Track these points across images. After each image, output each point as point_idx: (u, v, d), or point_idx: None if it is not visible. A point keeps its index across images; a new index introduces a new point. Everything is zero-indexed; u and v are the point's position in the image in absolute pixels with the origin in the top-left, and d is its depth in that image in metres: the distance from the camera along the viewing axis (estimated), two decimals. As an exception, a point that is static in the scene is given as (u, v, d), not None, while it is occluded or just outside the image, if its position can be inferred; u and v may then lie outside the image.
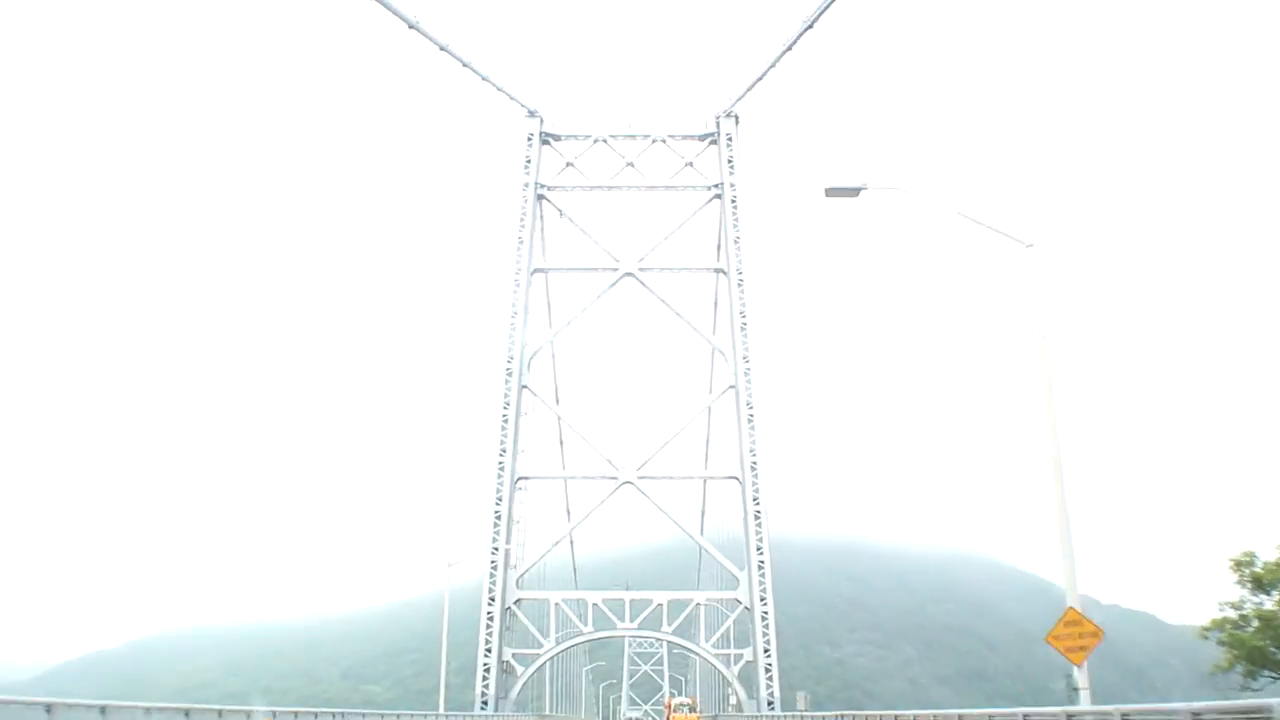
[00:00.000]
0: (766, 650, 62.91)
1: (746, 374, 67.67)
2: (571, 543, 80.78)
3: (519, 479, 68.21)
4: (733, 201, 72.07)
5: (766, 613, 63.50)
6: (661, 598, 67.50)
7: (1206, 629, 30.30)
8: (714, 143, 74.21)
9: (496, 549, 65.26)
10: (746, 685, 65.35)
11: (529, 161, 73.50)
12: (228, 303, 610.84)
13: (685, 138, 74.78)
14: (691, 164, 74.10)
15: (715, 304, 73.61)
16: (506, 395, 68.14)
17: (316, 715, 26.55)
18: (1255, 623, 30.67)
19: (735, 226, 71.57)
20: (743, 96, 73.08)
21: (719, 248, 72.90)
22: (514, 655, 65.76)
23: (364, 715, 32.02)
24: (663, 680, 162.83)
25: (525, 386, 69.45)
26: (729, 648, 67.20)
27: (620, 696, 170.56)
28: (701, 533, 75.32)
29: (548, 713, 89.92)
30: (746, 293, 69.83)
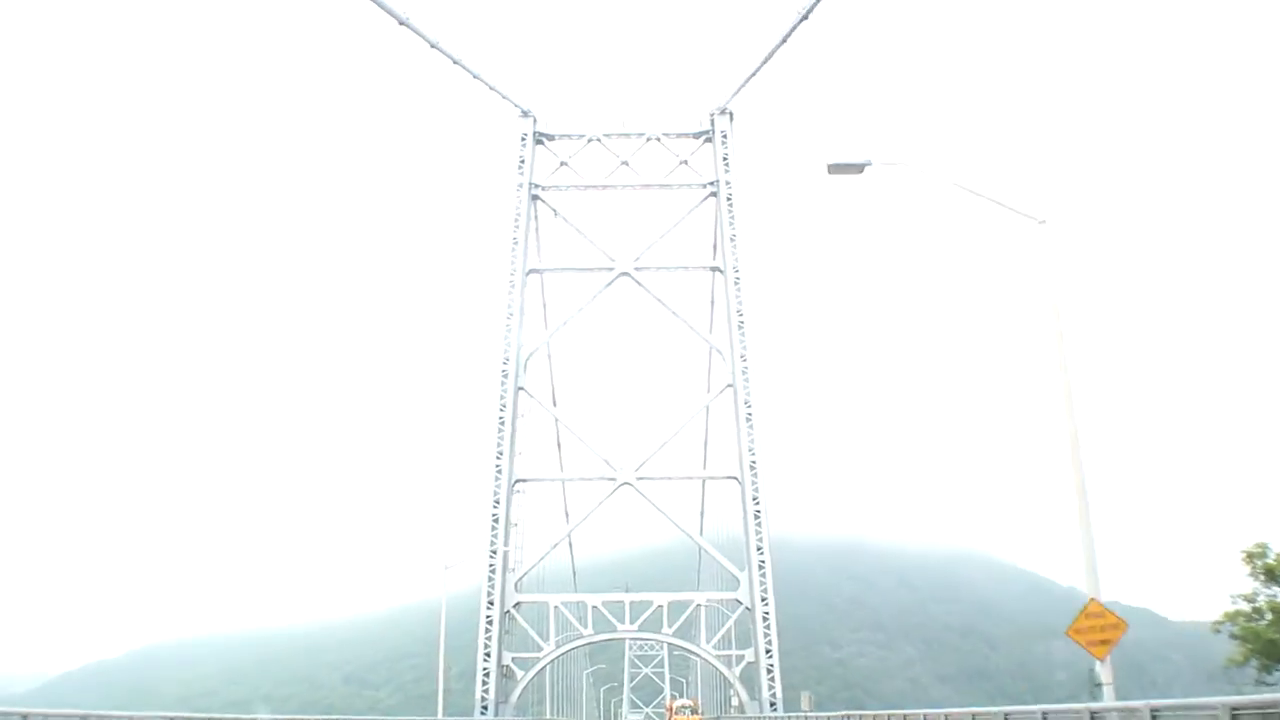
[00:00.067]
0: (768, 651, 62.40)
1: (744, 373, 67.16)
2: (570, 545, 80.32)
3: (516, 482, 67.70)
4: (728, 199, 71.55)
5: (768, 613, 62.98)
6: (662, 599, 66.99)
7: (1219, 622, 29.65)
8: (709, 140, 73.74)
9: (495, 552, 64.73)
10: (748, 686, 64.85)
11: (523, 161, 73.00)
12: (222, 309, 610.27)
13: (680, 135, 74.29)
14: (686, 162, 73.63)
15: (712, 303, 73.14)
16: (503, 397, 67.64)
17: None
18: (1269, 615, 30.07)
19: (731, 224, 71.08)
20: (737, 92, 72.70)
21: (715, 246, 72.42)
22: (514, 659, 65.23)
23: (357, 722, 31.50)
24: (664, 682, 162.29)
25: (521, 388, 68.95)
26: (730, 649, 66.70)
27: (621, 700, 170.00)
28: (701, 533, 74.81)
29: (548, 717, 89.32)
30: (744, 291, 69.36)
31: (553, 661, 70.41)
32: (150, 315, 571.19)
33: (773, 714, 57.61)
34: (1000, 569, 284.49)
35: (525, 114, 73.72)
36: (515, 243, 71.01)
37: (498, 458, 66.28)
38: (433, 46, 64.60)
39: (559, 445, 75.28)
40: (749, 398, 66.63)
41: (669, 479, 70.77)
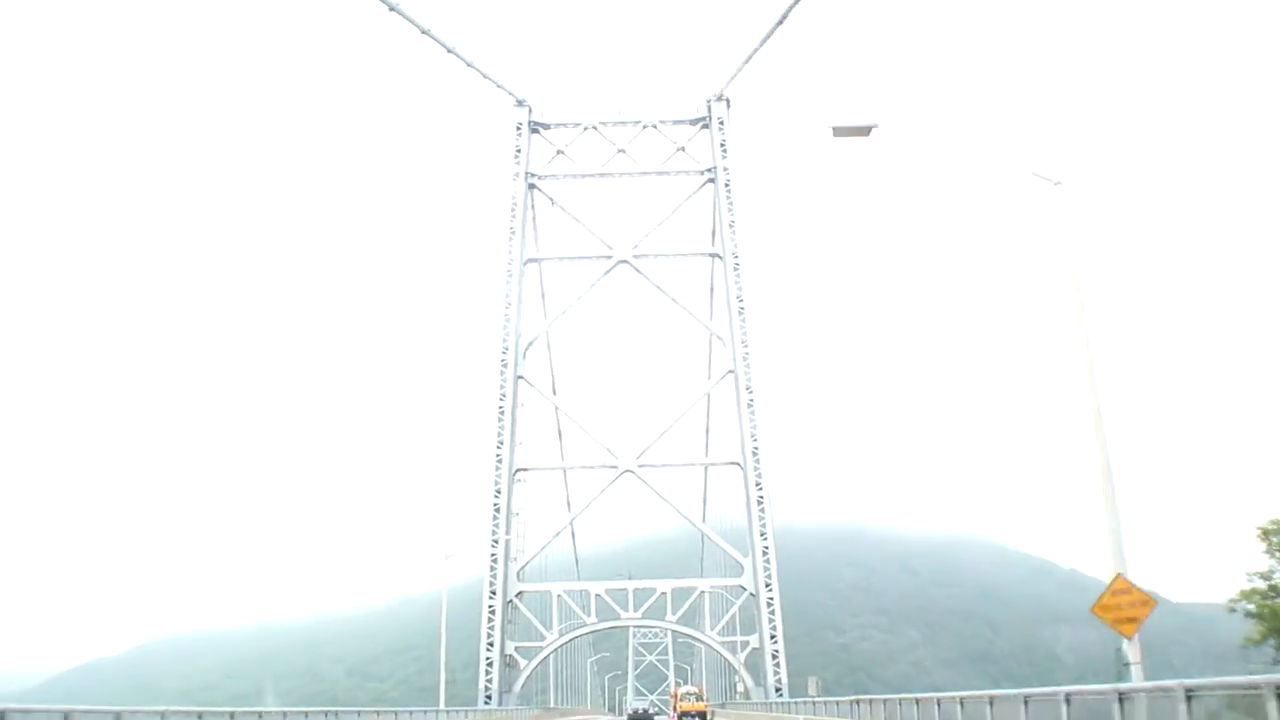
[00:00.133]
0: (773, 636, 62.34)
1: (745, 358, 66.97)
2: (573, 534, 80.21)
3: (517, 471, 67.59)
4: (726, 185, 71.29)
5: (772, 598, 62.89)
6: (665, 586, 66.96)
7: (1234, 601, 29.31)
8: (705, 127, 73.42)
9: (496, 542, 64.65)
10: (753, 672, 64.79)
11: (519, 151, 72.70)
12: (221, 305, 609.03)
13: (676, 123, 73.97)
14: (684, 149, 73.32)
15: (711, 289, 72.99)
16: (502, 387, 67.49)
17: (307, 715, 25.84)
18: None
19: (730, 210, 70.82)
20: (734, 78, 72.37)
21: (714, 232, 72.19)
22: (517, 649, 65.20)
23: (359, 714, 31.30)
24: (668, 670, 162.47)
25: (521, 377, 68.79)
26: (735, 635, 66.61)
27: (626, 688, 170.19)
28: (704, 520, 74.74)
29: (552, 706, 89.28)
30: (743, 276, 69.14)
31: (556, 650, 70.40)
32: (149, 309, 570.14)
33: (778, 699, 57.46)
34: (1002, 553, 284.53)
35: (520, 103, 73.35)
36: (513, 232, 70.78)
37: (498, 447, 66.14)
38: (424, 33, 64.18)
39: (560, 434, 75.18)
40: (750, 383, 66.45)
41: (671, 466, 70.74)
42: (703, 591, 68.06)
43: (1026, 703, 14.78)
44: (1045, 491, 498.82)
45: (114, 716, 16.07)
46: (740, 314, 68.10)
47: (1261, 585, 29.20)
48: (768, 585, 63.26)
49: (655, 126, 73.61)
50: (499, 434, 66.46)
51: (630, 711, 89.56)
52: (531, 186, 72.46)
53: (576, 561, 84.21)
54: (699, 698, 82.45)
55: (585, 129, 73.67)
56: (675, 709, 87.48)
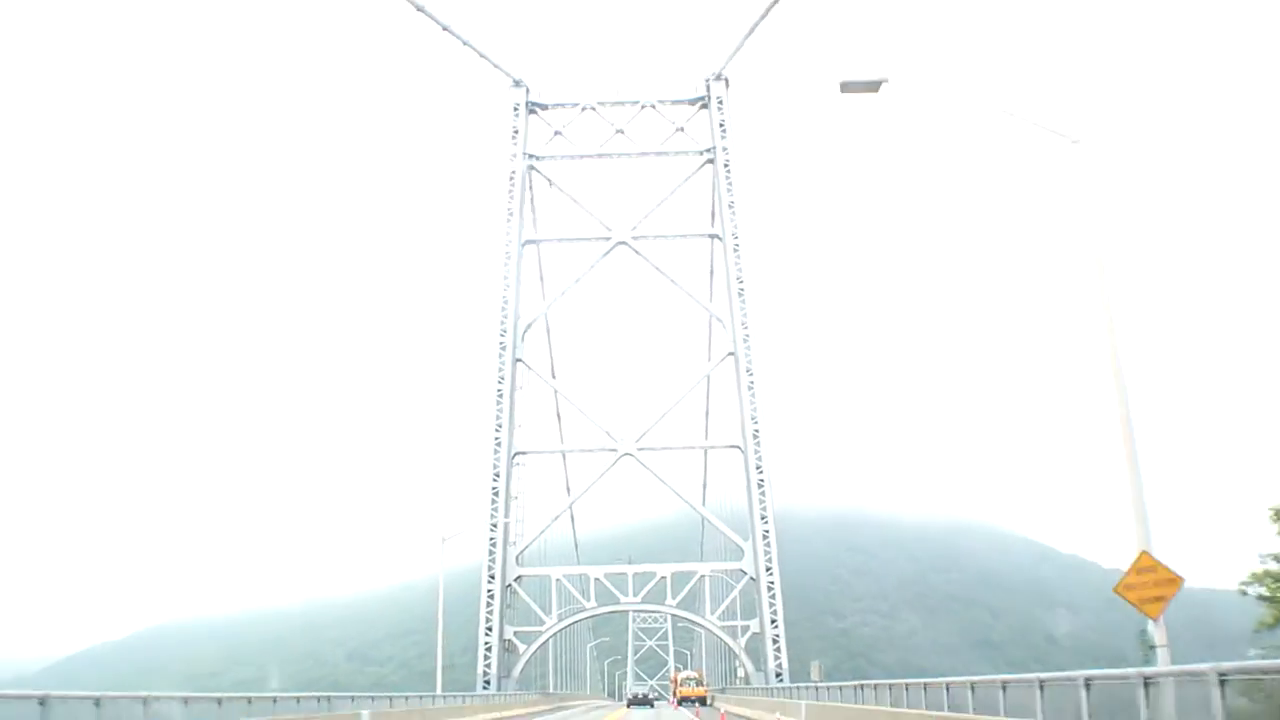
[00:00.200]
0: (773, 621, 61.92)
1: (745, 340, 66.37)
2: (572, 518, 79.73)
3: (516, 454, 67.07)
4: (725, 166, 70.58)
5: (773, 583, 62.46)
6: (665, 570, 66.56)
7: (1246, 584, 28.63)
8: (705, 107, 72.64)
9: (495, 526, 64.16)
10: (753, 657, 64.39)
11: (516, 132, 71.94)
12: (216, 288, 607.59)
13: (675, 103, 73.20)
14: (682, 129, 72.61)
15: (711, 271, 72.31)
16: (501, 370, 66.91)
17: (299, 700, 25.28)
18: None
19: (729, 191, 70.13)
20: (733, 56, 71.57)
21: (713, 213, 71.51)
22: (516, 633, 64.79)
23: (352, 698, 30.79)
24: (668, 655, 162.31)
25: (520, 360, 68.20)
26: (735, 620, 66.19)
27: (626, 673, 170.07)
28: (704, 504, 74.24)
29: (552, 691, 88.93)
30: (743, 258, 68.50)
31: (555, 635, 70.03)
32: (148, 294, 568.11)
33: (780, 685, 56.98)
34: (1002, 538, 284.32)
35: (517, 83, 72.54)
36: (511, 214, 70.11)
37: (497, 430, 65.60)
38: (419, 9, 63.33)
39: (559, 417, 74.63)
40: (750, 365, 65.88)
41: (670, 449, 70.25)
42: (703, 576, 67.61)
43: (1042, 688, 14.07)
44: (1047, 476, 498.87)
45: (94, 702, 15.56)
46: (740, 295, 67.48)
47: (1276, 567, 28.47)
48: (768, 569, 62.83)
49: (654, 106, 72.84)
50: (497, 417, 65.93)
51: (630, 696, 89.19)
52: (529, 168, 71.73)
53: (576, 545, 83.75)
54: (699, 683, 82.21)
55: (583, 109, 72.91)
56: (675, 694, 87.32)
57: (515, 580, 65.37)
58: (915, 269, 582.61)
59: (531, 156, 71.74)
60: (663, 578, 66.06)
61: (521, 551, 66.70)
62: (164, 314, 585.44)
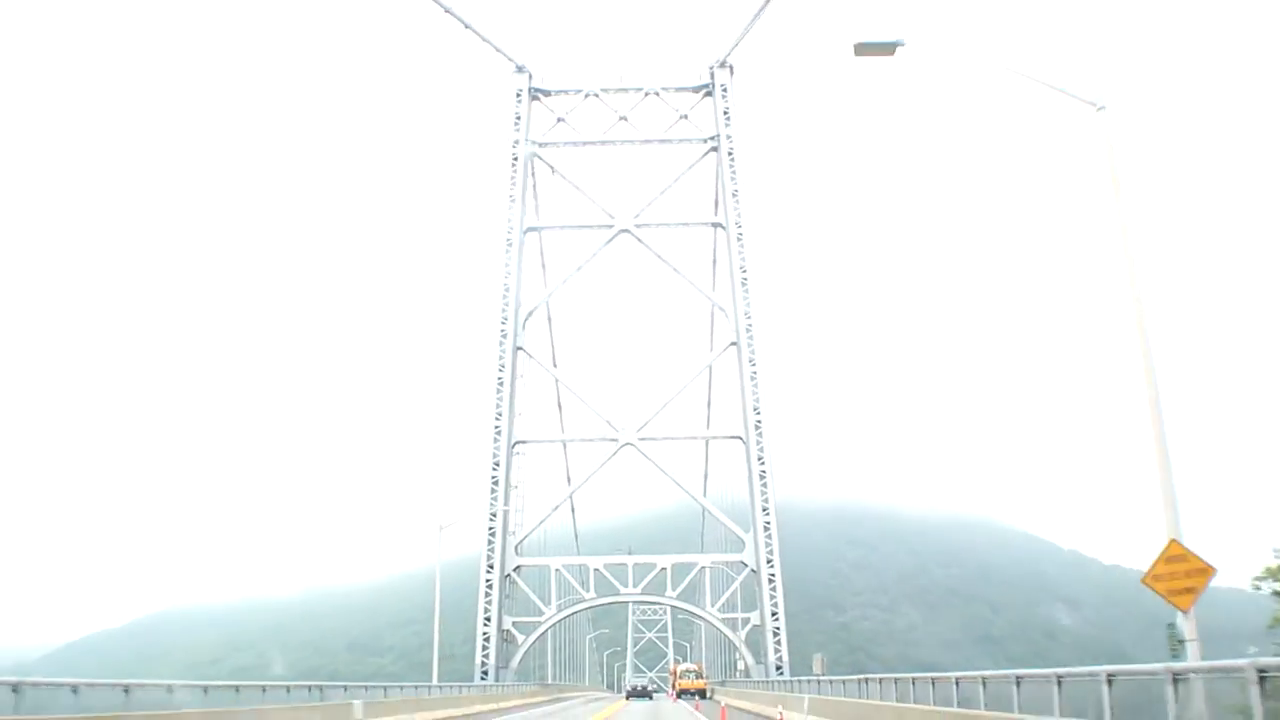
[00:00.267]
0: (774, 614, 61.43)
1: (748, 330, 65.80)
2: (572, 508, 79.18)
3: (516, 443, 66.54)
4: (729, 154, 69.96)
5: (774, 575, 61.96)
6: (665, 562, 66.07)
7: (1259, 578, 28.01)
8: (709, 94, 72.02)
9: (494, 515, 63.63)
10: (754, 650, 63.90)
11: (519, 118, 71.31)
12: (216, 276, 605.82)
13: (679, 90, 72.57)
14: (686, 116, 71.98)
15: (714, 259, 71.70)
16: (501, 358, 66.37)
17: (289, 689, 24.70)
18: None
19: (733, 179, 69.52)
20: (738, 43, 70.82)
21: (716, 202, 70.89)
22: (514, 624, 64.31)
23: (345, 688, 30.25)
24: (667, 647, 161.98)
25: (520, 348, 67.64)
26: (735, 612, 65.71)
27: (625, 665, 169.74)
28: (705, 495, 73.75)
29: (550, 682, 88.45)
30: (746, 247, 67.88)
31: (554, 626, 69.61)
32: (146, 284, 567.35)
33: (780, 678, 56.43)
34: (1001, 533, 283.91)
35: (520, 69, 71.90)
36: (512, 200, 69.51)
37: (497, 419, 65.07)
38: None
39: (559, 406, 74.10)
40: (753, 355, 65.32)
41: (672, 439, 69.71)
42: (703, 567, 67.17)
43: (1060, 683, 13.42)
44: (1047, 472, 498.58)
45: (72, 689, 15.04)
46: (743, 285, 66.89)
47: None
48: (769, 561, 62.34)
49: (658, 94, 72.21)
50: (497, 405, 65.42)
51: (629, 688, 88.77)
52: (532, 154, 71.11)
53: (576, 536, 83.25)
54: (699, 675, 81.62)
55: (587, 96, 72.27)
56: (674, 686, 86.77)
57: (514, 570, 64.89)
58: (918, 260, 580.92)
59: (534, 143, 71.13)
60: (663, 569, 65.60)
61: (521, 541, 66.24)
62: (160, 303, 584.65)
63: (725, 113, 70.96)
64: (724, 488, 73.45)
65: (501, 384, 65.80)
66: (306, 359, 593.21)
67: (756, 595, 63.21)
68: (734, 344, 66.47)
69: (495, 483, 64.16)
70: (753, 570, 63.08)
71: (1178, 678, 10.59)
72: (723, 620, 66.23)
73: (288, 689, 24.86)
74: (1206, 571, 13.74)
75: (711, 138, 70.69)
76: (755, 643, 63.65)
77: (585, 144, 71.83)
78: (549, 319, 73.95)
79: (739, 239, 67.75)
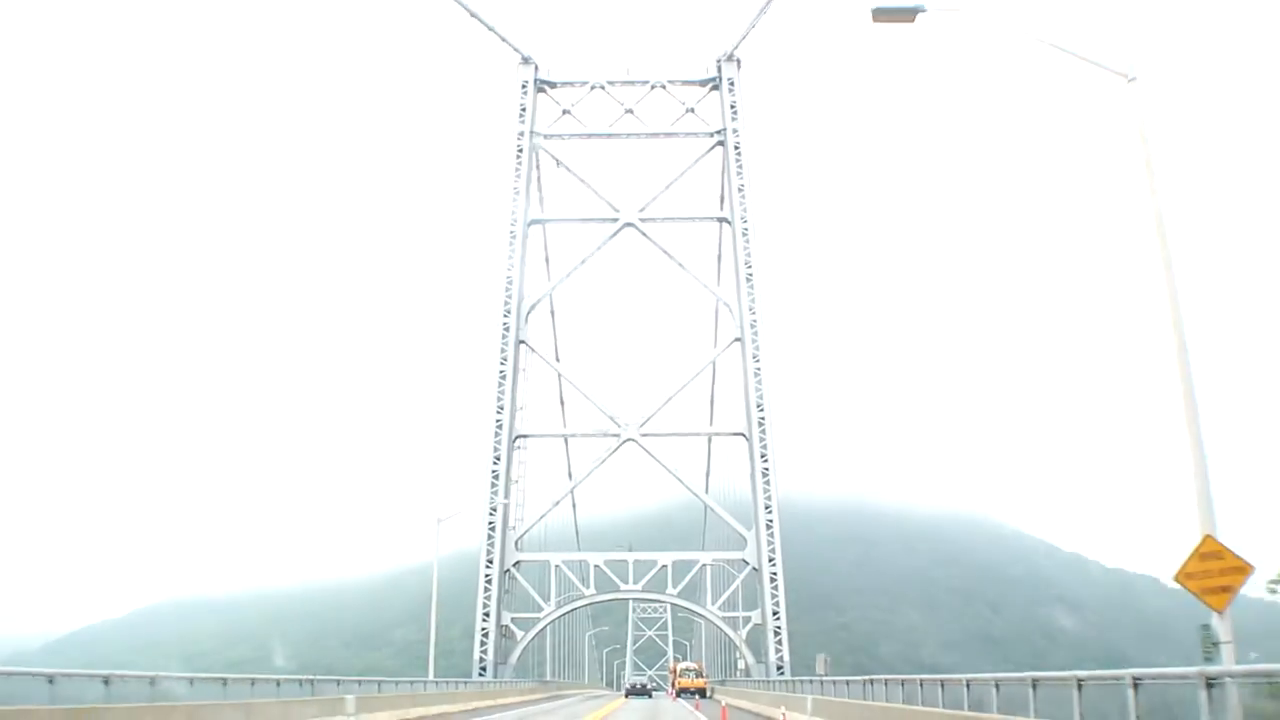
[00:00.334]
0: (775, 613, 60.89)
1: (753, 326, 65.25)
2: (573, 503, 78.63)
3: (517, 438, 66.02)
4: (736, 148, 69.37)
5: (775, 573, 61.41)
6: (666, 559, 65.57)
7: (1274, 582, 27.34)
8: (716, 88, 71.39)
9: (494, 510, 63.10)
10: (754, 649, 63.35)
11: (523, 110, 70.69)
12: (216, 268, 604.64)
13: (686, 83, 71.95)
14: (693, 110, 71.37)
15: (719, 255, 71.11)
16: (503, 351, 65.83)
17: (279, 683, 24.14)
18: None
19: (739, 174, 68.93)
20: (745, 37, 70.23)
21: (722, 197, 70.30)
22: (513, 620, 63.81)
23: (338, 682, 29.71)
24: (667, 645, 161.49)
25: (523, 342, 67.11)
26: (736, 610, 65.14)
27: (625, 663, 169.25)
28: (707, 491, 73.15)
29: (549, 679, 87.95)
30: (752, 242, 67.30)
31: (554, 622, 69.12)
32: (145, 276, 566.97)
33: (781, 678, 55.83)
34: (1003, 534, 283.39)
35: (526, 60, 71.29)
36: (516, 193, 68.93)
37: (498, 413, 64.53)
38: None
39: (562, 401, 73.60)
40: (758, 352, 64.75)
41: (674, 435, 69.19)
42: (704, 565, 66.55)
43: (1080, 687, 12.76)
44: (1048, 473, 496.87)
45: (47, 680, 14.53)
46: (748, 280, 66.32)
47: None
48: (771, 560, 61.81)
49: (664, 87, 71.59)
50: (499, 399, 64.89)
51: (628, 686, 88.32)
52: (536, 146, 70.55)
53: (576, 532, 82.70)
54: (699, 674, 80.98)
55: (592, 88, 71.66)
56: (673, 685, 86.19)
57: (514, 566, 64.38)
58: (925, 258, 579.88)
59: (539, 135, 70.57)
60: (664, 566, 65.09)
61: (521, 536, 65.72)
62: (159, 293, 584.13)
63: (732, 106, 70.38)
64: (726, 485, 72.97)
65: (503, 377, 65.27)
66: (308, 350, 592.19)
67: (758, 594, 62.66)
68: (738, 340, 65.93)
69: (495, 477, 63.64)
70: (754, 568, 62.55)
71: (1212, 682, 9.97)
72: (723, 619, 65.67)
73: (278, 682, 24.28)
74: (1244, 569, 13.08)
75: (718, 132, 70.10)
76: (756, 642, 63.11)
77: (590, 136, 71.26)
78: (552, 312, 73.42)
79: (744, 234, 67.18)
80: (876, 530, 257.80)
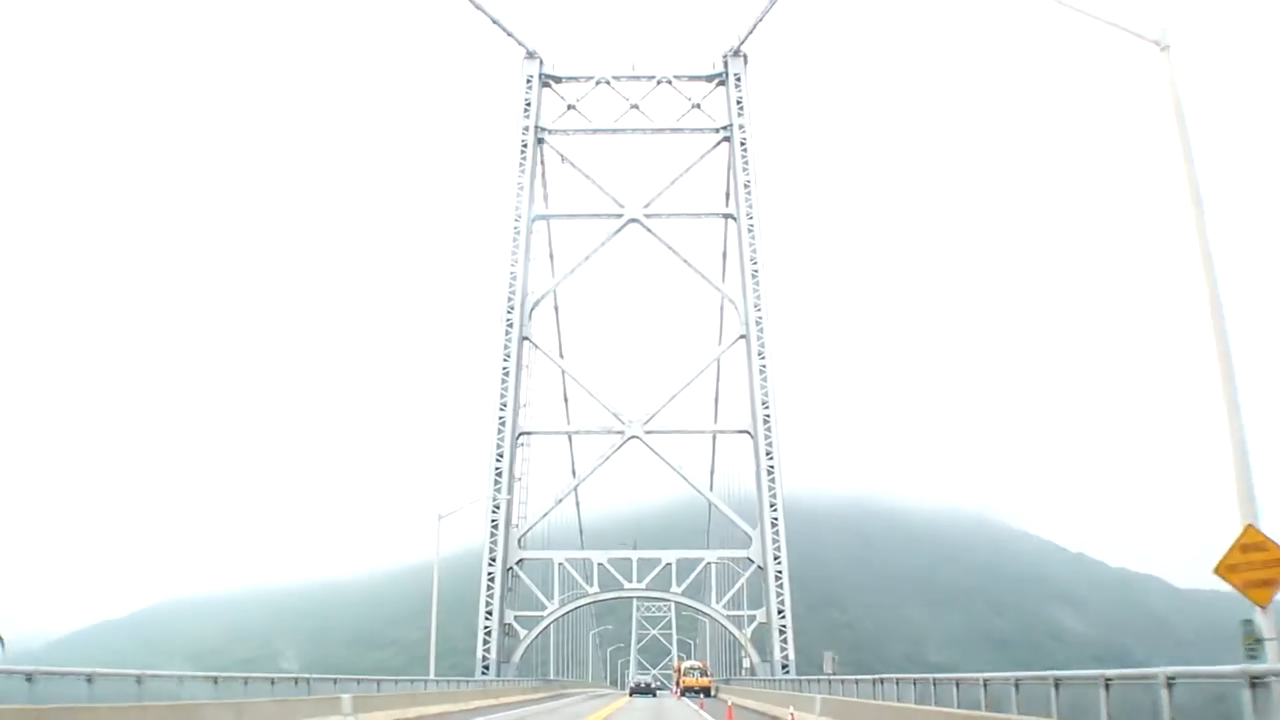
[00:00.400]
0: (780, 611, 60.35)
1: (759, 323, 64.67)
2: (577, 501, 78.17)
3: (520, 434, 65.49)
4: (742, 144, 68.81)
5: (780, 572, 60.88)
6: (670, 557, 65.02)
7: None
8: (722, 83, 70.88)
9: (497, 507, 62.57)
10: (759, 648, 62.81)
11: (529, 104, 70.20)
12: (219, 264, 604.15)
13: (692, 78, 71.47)
14: (699, 105, 70.87)
15: (724, 251, 70.59)
16: (507, 347, 65.33)
17: (274, 681, 23.58)
18: None
19: (745, 170, 68.37)
20: (751, 32, 69.72)
21: (728, 193, 69.76)
22: (516, 618, 63.31)
23: (335, 680, 29.17)
24: (671, 644, 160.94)
25: (526, 338, 66.61)
26: (741, 609, 64.60)
27: (629, 661, 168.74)
28: (711, 489, 72.63)
29: (553, 678, 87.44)
30: (758, 239, 66.74)
31: (557, 621, 68.56)
32: (147, 273, 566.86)
33: (786, 677, 55.25)
34: (1007, 533, 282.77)
35: (531, 55, 70.79)
36: (520, 188, 68.43)
37: (501, 409, 64.02)
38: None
39: (566, 398, 73.13)
40: (763, 349, 64.17)
41: (679, 432, 68.68)
42: (709, 563, 65.96)
43: (1108, 687, 12.14)
44: (1055, 473, 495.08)
45: (25, 677, 14.08)
46: (754, 277, 65.76)
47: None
48: (776, 558, 61.26)
49: (670, 82, 71.08)
50: (502, 396, 64.39)
51: (632, 685, 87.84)
52: (541, 141, 70.05)
53: (580, 529, 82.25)
54: (703, 673, 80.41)
55: (598, 83, 71.15)
56: (678, 684, 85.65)
57: (517, 563, 63.86)
58: (931, 257, 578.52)
59: (544, 130, 70.07)
60: (668, 564, 64.56)
61: (524, 534, 65.23)
62: (161, 291, 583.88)
63: (738, 102, 69.85)
64: (731, 482, 72.40)
65: (506, 374, 64.78)
66: (312, 347, 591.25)
67: (763, 592, 62.11)
68: (743, 337, 65.39)
69: (499, 474, 63.13)
70: (759, 567, 62.01)
71: (1256, 681, 9.36)
72: (728, 617, 65.12)
73: (272, 681, 23.74)
74: (1289, 561, 12.39)
75: (724, 127, 69.59)
76: (761, 641, 62.57)
77: (596, 132, 70.75)
78: (556, 309, 72.96)
79: (750, 231, 66.63)
80: (880, 529, 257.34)
